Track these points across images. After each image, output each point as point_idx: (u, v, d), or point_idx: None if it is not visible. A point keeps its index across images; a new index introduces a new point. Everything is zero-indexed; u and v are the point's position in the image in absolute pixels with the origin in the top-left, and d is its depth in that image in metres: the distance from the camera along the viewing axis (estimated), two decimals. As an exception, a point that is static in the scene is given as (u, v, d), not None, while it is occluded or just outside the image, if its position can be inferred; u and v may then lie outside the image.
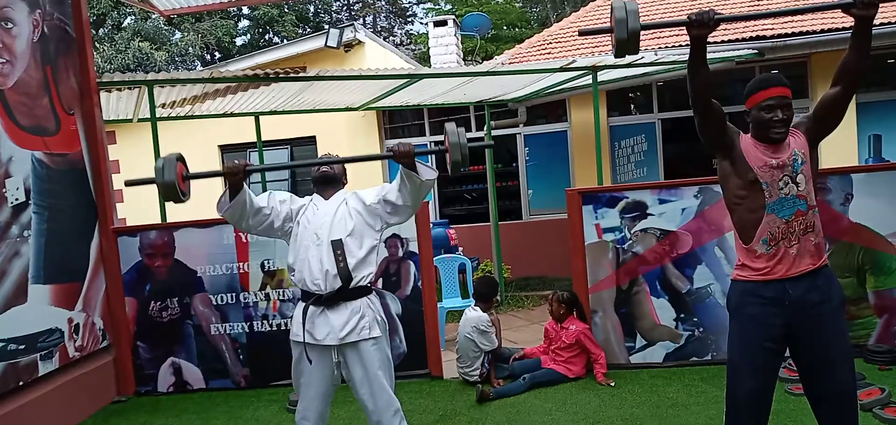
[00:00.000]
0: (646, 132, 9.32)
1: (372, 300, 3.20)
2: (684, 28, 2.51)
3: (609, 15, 2.57)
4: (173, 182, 2.89)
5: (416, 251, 5.22)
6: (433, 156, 3.47)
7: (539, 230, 9.46)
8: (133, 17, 21.54)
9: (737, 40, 7.95)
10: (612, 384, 4.82)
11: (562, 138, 9.46)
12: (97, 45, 18.98)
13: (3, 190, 4.30)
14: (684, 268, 4.99)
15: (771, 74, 2.81)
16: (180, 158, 2.99)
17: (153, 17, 20.09)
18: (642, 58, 6.28)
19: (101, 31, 21.48)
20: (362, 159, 3.72)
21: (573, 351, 5.00)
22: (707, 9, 2.51)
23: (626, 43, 2.47)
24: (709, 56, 2.80)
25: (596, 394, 4.71)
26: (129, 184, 3.05)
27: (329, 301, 3.09)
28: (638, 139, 9.36)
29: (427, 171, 3.07)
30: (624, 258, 5.04)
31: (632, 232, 5.01)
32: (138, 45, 19.48)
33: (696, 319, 5.05)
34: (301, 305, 3.20)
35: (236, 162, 3.08)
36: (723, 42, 7.86)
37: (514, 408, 4.58)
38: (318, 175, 3.28)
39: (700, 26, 2.49)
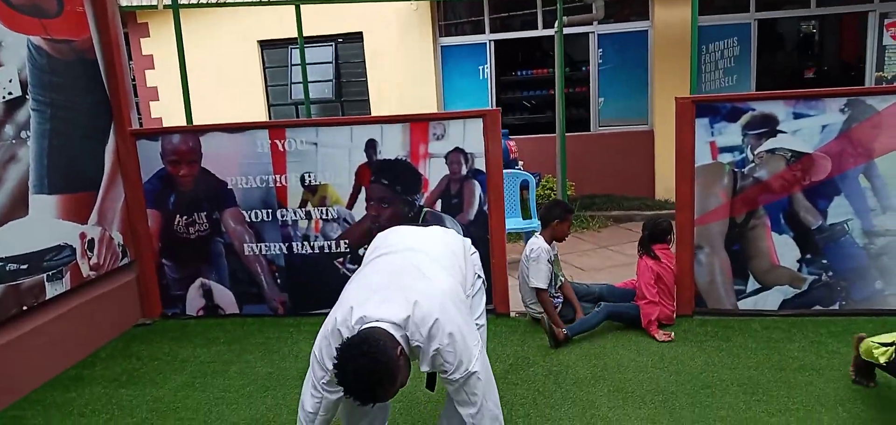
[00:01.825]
0: (739, 35, 8.11)
1: None
2: None
3: None
4: None
5: (483, 169, 4.36)
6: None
7: (608, 143, 8.48)
8: None
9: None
10: (670, 337, 4.03)
11: (641, 40, 8.31)
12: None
13: (-8, 81, 3.56)
14: (817, 199, 4.03)
15: None
16: None
17: None
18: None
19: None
20: None
21: (659, 286, 4.19)
22: None
23: None
24: None
25: (699, 347, 3.89)
26: None
27: None
28: (729, 43, 8.16)
29: None
30: (742, 184, 4.09)
31: (755, 152, 4.03)
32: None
33: (824, 261, 4.11)
34: None
35: None
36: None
37: (599, 360, 3.80)
38: None
39: None
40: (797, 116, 3.94)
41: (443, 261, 2.59)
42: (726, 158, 4.07)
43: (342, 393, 2.27)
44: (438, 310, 2.28)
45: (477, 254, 2.92)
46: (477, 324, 2.62)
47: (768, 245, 4.15)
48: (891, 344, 3.01)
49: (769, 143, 4.00)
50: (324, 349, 2.32)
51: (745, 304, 4.27)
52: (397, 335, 2.21)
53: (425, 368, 2.33)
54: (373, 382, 2.06)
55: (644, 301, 4.12)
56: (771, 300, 4.23)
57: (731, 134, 4.03)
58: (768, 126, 3.98)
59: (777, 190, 4.06)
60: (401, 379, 2.17)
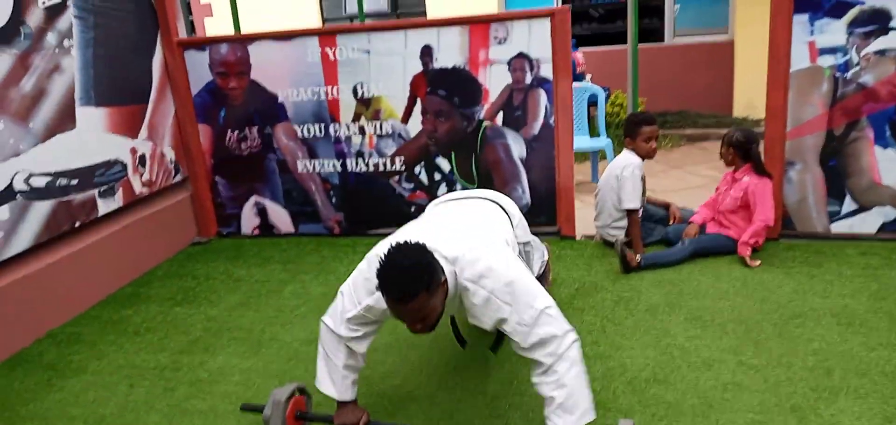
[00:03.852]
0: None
1: None
2: None
3: None
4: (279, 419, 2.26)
5: (550, 77, 3.99)
6: None
7: (684, 55, 7.87)
8: None
9: None
10: (758, 264, 3.64)
11: (723, -63, 7.57)
12: None
13: (31, -15, 3.39)
14: (933, 107, 3.53)
15: None
16: (300, 392, 2.40)
17: None
18: None
19: None
20: None
21: (745, 212, 3.78)
22: None
23: None
24: None
25: (787, 274, 3.52)
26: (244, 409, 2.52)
27: None
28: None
29: None
30: (844, 91, 3.60)
31: (862, 54, 3.52)
32: None
33: (936, 179, 3.64)
34: None
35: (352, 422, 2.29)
36: None
37: (674, 286, 3.49)
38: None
39: None
40: (916, 11, 3.40)
41: (496, 224, 2.46)
42: (827, 61, 3.58)
43: (364, 343, 2.22)
44: (492, 253, 2.10)
45: (525, 223, 2.79)
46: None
47: (870, 160, 3.68)
48: None
49: (879, 43, 3.48)
50: (360, 284, 2.16)
51: (839, 227, 3.84)
52: (446, 268, 2.02)
53: (475, 320, 2.11)
54: (415, 277, 1.90)
55: (759, 220, 3.68)
56: (869, 222, 3.80)
57: (834, 32, 3.52)
58: (880, 22, 3.45)
59: (884, 97, 3.56)
60: (435, 302, 1.96)
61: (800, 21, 3.54)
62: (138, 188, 4.15)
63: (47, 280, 3.50)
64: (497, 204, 2.66)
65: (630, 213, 3.85)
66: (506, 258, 2.13)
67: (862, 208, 3.79)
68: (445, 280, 2.01)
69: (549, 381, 2.03)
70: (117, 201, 3.97)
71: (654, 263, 3.72)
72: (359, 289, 2.16)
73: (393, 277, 1.90)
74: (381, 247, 2.11)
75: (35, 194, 3.41)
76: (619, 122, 7.08)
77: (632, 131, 3.88)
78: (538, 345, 2.02)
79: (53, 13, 3.52)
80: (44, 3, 3.45)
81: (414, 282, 1.88)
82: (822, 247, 3.80)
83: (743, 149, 3.74)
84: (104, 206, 3.87)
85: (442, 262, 2.01)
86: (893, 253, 3.66)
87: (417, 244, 1.98)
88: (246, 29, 4.70)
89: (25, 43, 3.35)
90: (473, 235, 2.23)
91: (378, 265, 1.94)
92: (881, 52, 3.49)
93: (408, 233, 2.16)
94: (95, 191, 3.80)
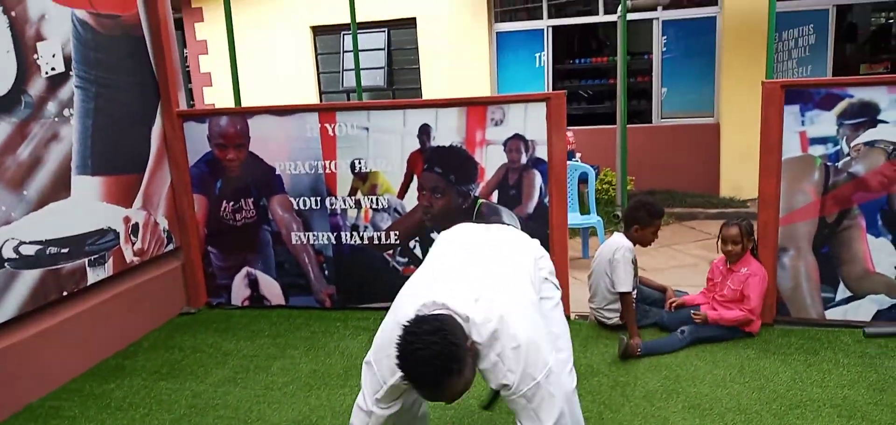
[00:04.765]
0: (815, 21, 7.56)
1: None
2: None
3: None
4: None
5: (545, 158, 4.04)
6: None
7: (671, 136, 8.03)
8: None
9: None
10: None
11: (708, 26, 7.82)
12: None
13: (35, 56, 3.41)
14: (923, 198, 3.59)
15: None
16: None
17: None
18: None
19: None
20: None
21: (740, 299, 3.78)
22: None
23: None
24: None
25: (783, 361, 3.50)
26: None
27: None
28: (804, 30, 7.62)
29: None
30: (835, 180, 3.67)
31: (852, 145, 3.61)
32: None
33: (928, 269, 3.68)
34: None
35: None
36: None
37: (671, 371, 3.45)
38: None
39: None
40: (902, 105, 3.50)
41: (512, 262, 2.31)
42: (818, 150, 3.66)
43: (396, 408, 2.02)
44: (504, 311, 1.99)
45: (547, 257, 2.58)
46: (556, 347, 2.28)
47: (863, 248, 3.72)
48: None
49: (868, 135, 3.57)
50: (383, 360, 2.04)
51: (833, 314, 3.85)
52: (464, 327, 1.94)
53: (487, 378, 2.05)
54: (441, 368, 1.79)
55: (746, 308, 3.72)
56: (863, 310, 3.81)
57: (824, 123, 3.61)
58: (868, 115, 3.55)
59: (875, 187, 3.63)
60: (467, 375, 1.89)
61: (791, 111, 3.62)
62: (129, 257, 4.09)
63: (30, 351, 3.40)
64: (516, 235, 2.57)
65: (623, 297, 3.84)
66: (518, 311, 2.05)
67: (856, 296, 3.81)
68: (472, 343, 1.94)
69: None
70: (107, 270, 3.91)
71: (652, 351, 3.68)
72: (382, 367, 2.04)
73: (418, 372, 1.82)
74: (401, 313, 2.01)
75: (24, 262, 3.35)
76: (609, 199, 7.16)
77: (646, 221, 3.86)
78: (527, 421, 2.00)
79: (56, 83, 3.53)
80: (47, 72, 3.47)
81: (440, 373, 1.81)
82: (818, 334, 3.80)
83: (750, 236, 3.78)
84: (93, 276, 3.80)
85: (458, 320, 1.94)
86: (890, 342, 3.66)
87: (435, 323, 1.86)
88: (243, 96, 4.73)
89: (26, 111, 3.35)
90: (487, 285, 2.11)
91: (397, 357, 1.85)
92: (870, 144, 3.58)
93: (419, 294, 2.06)
94: (85, 260, 3.74)
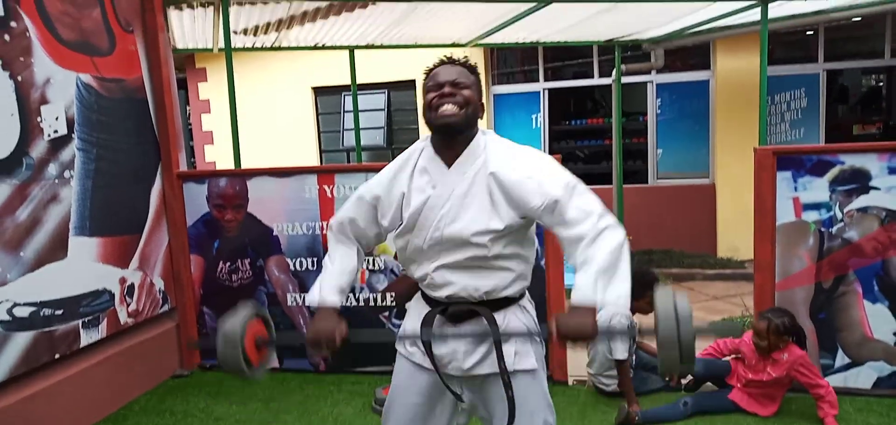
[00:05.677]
0: (806, 85, 7.70)
1: (522, 310, 2.06)
2: None
3: None
4: (237, 354, 1.90)
5: (541, 220, 4.06)
6: None
7: (667, 197, 8.08)
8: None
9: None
10: None
11: (701, 90, 7.96)
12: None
13: (38, 119, 3.46)
14: (918, 264, 3.61)
15: None
16: (257, 316, 2.01)
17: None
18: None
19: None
20: None
21: (778, 386, 3.64)
22: None
23: None
24: None
25: (784, 430, 3.46)
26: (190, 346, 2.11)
27: (455, 316, 2.01)
28: (796, 94, 7.75)
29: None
30: (830, 246, 3.69)
31: (845, 211, 3.64)
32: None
33: (926, 336, 3.67)
34: (420, 306, 2.12)
35: (325, 331, 1.94)
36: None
37: (671, 441, 3.41)
38: (436, 121, 1.97)
39: None
40: (892, 171, 3.55)
41: None
42: (812, 216, 3.69)
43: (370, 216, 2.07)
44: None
45: None
46: None
47: (860, 315, 3.72)
48: None
49: (861, 201, 3.61)
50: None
51: (833, 381, 3.80)
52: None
53: (501, 208, 1.89)
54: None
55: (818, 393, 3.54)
56: (863, 377, 3.79)
57: (817, 189, 3.65)
58: (859, 181, 3.59)
59: (870, 253, 3.65)
60: (473, 90, 1.99)
61: (784, 177, 3.67)
62: (124, 318, 4.07)
63: (20, 415, 3.35)
64: None
65: (619, 364, 3.80)
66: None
67: (855, 363, 3.79)
68: (482, 105, 2.02)
69: (590, 248, 1.78)
70: (101, 332, 3.88)
71: (652, 420, 3.63)
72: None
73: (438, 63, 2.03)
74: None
75: (17, 325, 3.32)
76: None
77: (638, 293, 3.68)
78: (575, 223, 1.82)
79: (58, 145, 3.57)
80: (50, 135, 3.51)
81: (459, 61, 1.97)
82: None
83: (791, 332, 3.52)
84: (87, 337, 3.77)
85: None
86: (892, 409, 3.63)
87: None
88: (244, 153, 4.77)
89: (26, 173, 3.38)
90: None
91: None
92: (863, 210, 3.61)
93: None
94: (79, 322, 3.72)
